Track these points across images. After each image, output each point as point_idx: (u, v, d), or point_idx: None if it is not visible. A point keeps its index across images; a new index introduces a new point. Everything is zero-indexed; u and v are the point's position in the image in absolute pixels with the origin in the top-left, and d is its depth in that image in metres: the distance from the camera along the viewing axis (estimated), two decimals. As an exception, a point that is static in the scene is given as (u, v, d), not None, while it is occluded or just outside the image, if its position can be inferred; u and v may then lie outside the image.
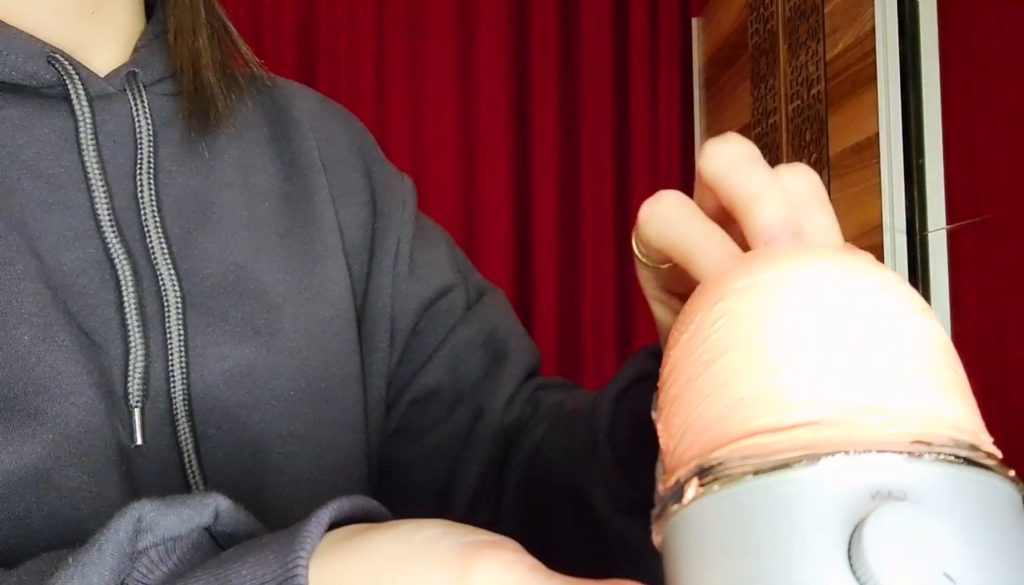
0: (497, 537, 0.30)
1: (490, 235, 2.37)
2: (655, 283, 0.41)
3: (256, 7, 2.33)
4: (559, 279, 2.40)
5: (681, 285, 0.40)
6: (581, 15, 2.46)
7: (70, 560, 0.32)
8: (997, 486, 0.25)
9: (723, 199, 0.35)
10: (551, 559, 0.30)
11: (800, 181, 0.35)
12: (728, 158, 0.35)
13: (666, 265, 0.39)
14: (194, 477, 0.50)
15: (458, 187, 2.39)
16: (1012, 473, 0.25)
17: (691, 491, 0.26)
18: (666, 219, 0.36)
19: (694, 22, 2.50)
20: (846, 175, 1.68)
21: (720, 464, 0.25)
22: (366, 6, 2.39)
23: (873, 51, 1.57)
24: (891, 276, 0.28)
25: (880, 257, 1.53)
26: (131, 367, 0.49)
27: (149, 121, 0.54)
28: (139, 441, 0.49)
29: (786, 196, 0.34)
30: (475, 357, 0.62)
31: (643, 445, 0.45)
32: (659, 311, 0.42)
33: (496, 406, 0.60)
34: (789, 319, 0.26)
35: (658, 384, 0.30)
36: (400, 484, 0.63)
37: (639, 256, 0.40)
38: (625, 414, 0.49)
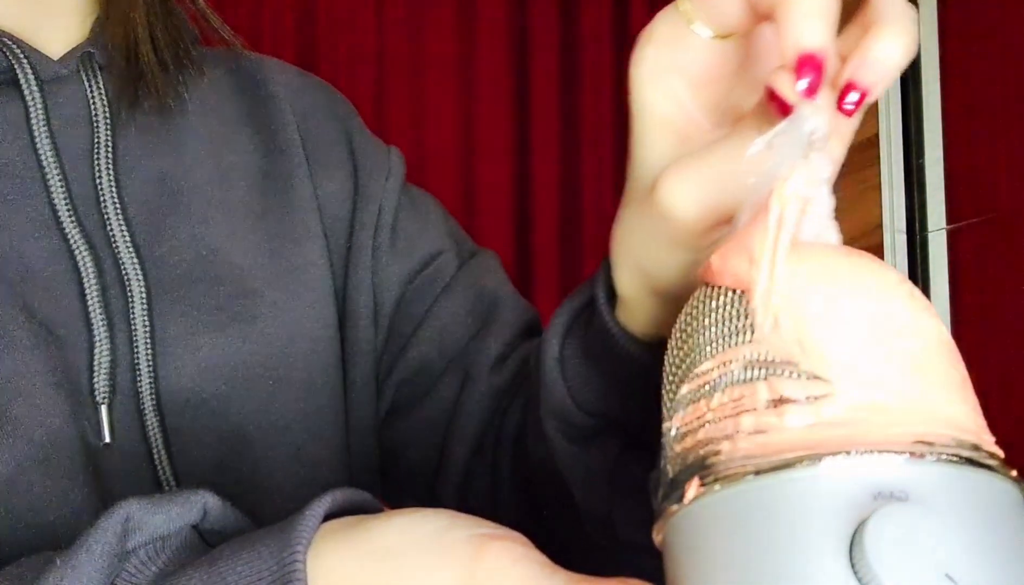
0: (505, 531, 0.30)
1: (490, 235, 2.36)
2: (689, 61, 0.35)
3: (256, 6, 2.33)
4: (559, 278, 2.39)
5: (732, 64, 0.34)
6: (581, 15, 2.46)
7: (58, 562, 0.31)
8: (999, 486, 0.25)
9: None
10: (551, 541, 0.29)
11: None
12: None
13: (726, 36, 0.33)
14: (164, 474, 0.48)
15: (458, 187, 2.38)
16: (1014, 473, 0.25)
17: (692, 490, 0.26)
18: None
19: (694, 22, 2.50)
20: (846, 175, 1.67)
21: (721, 463, 0.25)
22: (366, 6, 2.39)
23: (873, 51, 1.57)
24: (893, 275, 0.28)
25: (880, 257, 1.52)
26: (96, 363, 0.47)
27: (105, 103, 0.51)
28: (107, 439, 0.47)
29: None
30: (461, 325, 0.58)
31: (594, 364, 0.42)
32: (655, 98, 0.36)
33: (481, 370, 0.56)
34: (790, 318, 0.26)
35: (662, 374, 0.30)
36: (398, 465, 0.59)
37: (690, 18, 0.33)
38: (576, 333, 0.45)
